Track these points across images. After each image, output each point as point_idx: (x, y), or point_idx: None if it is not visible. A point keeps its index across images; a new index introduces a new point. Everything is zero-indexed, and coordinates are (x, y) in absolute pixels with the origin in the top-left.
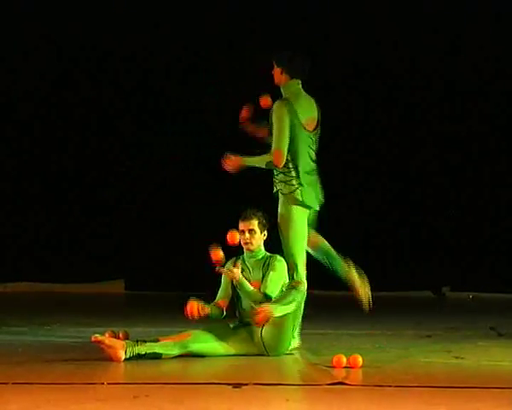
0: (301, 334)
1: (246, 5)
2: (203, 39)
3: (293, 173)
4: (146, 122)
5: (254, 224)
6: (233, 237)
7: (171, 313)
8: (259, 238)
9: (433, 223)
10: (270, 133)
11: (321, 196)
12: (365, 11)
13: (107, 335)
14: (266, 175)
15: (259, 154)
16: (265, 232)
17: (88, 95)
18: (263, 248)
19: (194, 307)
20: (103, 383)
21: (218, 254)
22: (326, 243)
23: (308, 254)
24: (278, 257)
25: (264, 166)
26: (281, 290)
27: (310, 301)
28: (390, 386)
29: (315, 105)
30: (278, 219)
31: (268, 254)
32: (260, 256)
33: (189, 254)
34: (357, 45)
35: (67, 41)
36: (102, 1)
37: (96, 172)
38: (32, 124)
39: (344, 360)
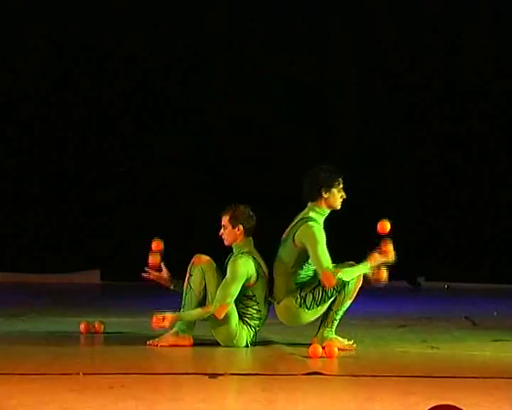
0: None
1: (246, 5)
2: (203, 39)
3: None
4: (146, 122)
5: (225, 219)
6: (157, 245)
7: (146, 304)
8: (231, 233)
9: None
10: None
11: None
12: (365, 11)
13: (82, 326)
14: (266, 176)
15: None
16: (240, 227)
17: (88, 95)
18: (242, 242)
19: (159, 319)
20: (79, 374)
21: (155, 259)
22: None
23: None
24: (234, 258)
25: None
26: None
27: None
28: (365, 376)
29: None
30: None
31: (242, 251)
32: (235, 252)
33: (168, 243)
34: (356, 45)
35: (67, 41)
36: (102, 1)
37: (96, 172)
38: (32, 124)
39: (320, 350)
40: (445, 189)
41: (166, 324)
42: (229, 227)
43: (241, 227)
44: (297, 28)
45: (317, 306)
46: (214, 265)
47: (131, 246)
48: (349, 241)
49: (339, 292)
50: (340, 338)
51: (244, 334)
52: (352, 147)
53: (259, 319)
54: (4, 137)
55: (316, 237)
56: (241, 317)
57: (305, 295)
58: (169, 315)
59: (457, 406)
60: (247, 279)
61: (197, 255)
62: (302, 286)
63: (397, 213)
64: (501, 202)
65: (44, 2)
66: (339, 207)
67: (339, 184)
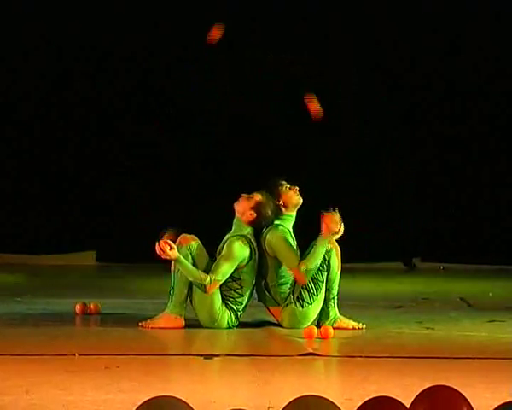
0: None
1: (246, 5)
2: (203, 39)
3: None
4: (146, 122)
5: (256, 196)
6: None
7: (141, 284)
8: (246, 207)
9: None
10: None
11: None
12: (365, 11)
13: (77, 307)
14: (266, 176)
15: None
16: (254, 215)
17: (88, 95)
18: (245, 224)
19: (166, 246)
20: (74, 355)
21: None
22: None
23: None
24: (232, 239)
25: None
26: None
27: None
28: (361, 356)
29: None
30: None
31: (241, 233)
32: (234, 230)
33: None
34: (356, 45)
35: (67, 41)
36: (102, 1)
37: (96, 172)
38: (32, 124)
39: (315, 331)
40: (444, 185)
41: (169, 255)
42: (250, 203)
43: (255, 215)
44: (297, 28)
45: (317, 295)
46: (200, 243)
47: (127, 227)
48: (346, 240)
49: (327, 271)
50: (346, 319)
51: (226, 316)
52: (352, 147)
53: (241, 303)
54: (4, 137)
55: (280, 237)
56: (223, 299)
57: (300, 292)
58: (175, 251)
59: (452, 386)
60: (240, 262)
61: (183, 235)
62: (292, 288)
63: (394, 203)
64: (500, 197)
65: (44, 2)
66: (300, 200)
67: (282, 187)
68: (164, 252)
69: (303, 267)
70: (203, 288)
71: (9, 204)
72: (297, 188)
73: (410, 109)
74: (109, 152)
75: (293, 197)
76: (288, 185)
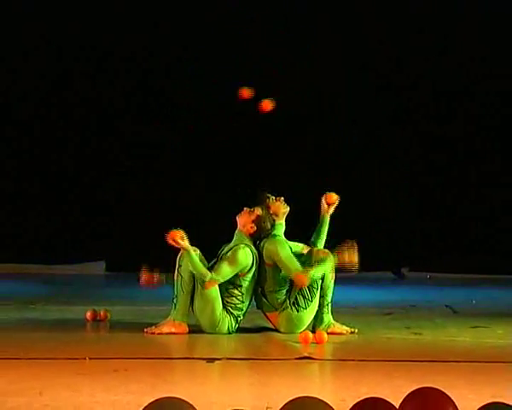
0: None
1: (246, 5)
2: (203, 39)
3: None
4: (146, 122)
5: (257, 209)
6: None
7: (148, 293)
8: (247, 221)
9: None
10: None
11: None
12: (353, 11)
13: (88, 314)
14: (265, 175)
15: None
16: (255, 228)
17: (88, 95)
18: (245, 236)
19: (177, 235)
20: (85, 359)
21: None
22: None
23: None
24: (237, 246)
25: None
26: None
27: None
28: (353, 360)
29: None
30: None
31: (243, 242)
32: (236, 240)
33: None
34: (344, 45)
35: (67, 41)
36: (102, 1)
37: (96, 172)
38: (32, 124)
39: (310, 336)
40: (430, 187)
41: (179, 244)
42: (251, 217)
43: (255, 228)
44: (285, 28)
45: (311, 301)
46: (200, 252)
47: (134, 238)
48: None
49: (321, 278)
50: (340, 325)
51: (226, 322)
52: (339, 147)
53: (241, 309)
54: (4, 137)
55: (278, 246)
56: (224, 305)
57: (296, 298)
58: (186, 241)
59: (439, 388)
60: (242, 269)
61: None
62: (288, 293)
63: (383, 208)
64: (483, 200)
65: (44, 2)
66: (287, 208)
67: (269, 199)
68: (175, 242)
69: (311, 272)
70: (202, 283)
71: (9, 204)
72: (282, 198)
73: (397, 109)
74: (109, 152)
75: (281, 207)
76: (273, 197)
